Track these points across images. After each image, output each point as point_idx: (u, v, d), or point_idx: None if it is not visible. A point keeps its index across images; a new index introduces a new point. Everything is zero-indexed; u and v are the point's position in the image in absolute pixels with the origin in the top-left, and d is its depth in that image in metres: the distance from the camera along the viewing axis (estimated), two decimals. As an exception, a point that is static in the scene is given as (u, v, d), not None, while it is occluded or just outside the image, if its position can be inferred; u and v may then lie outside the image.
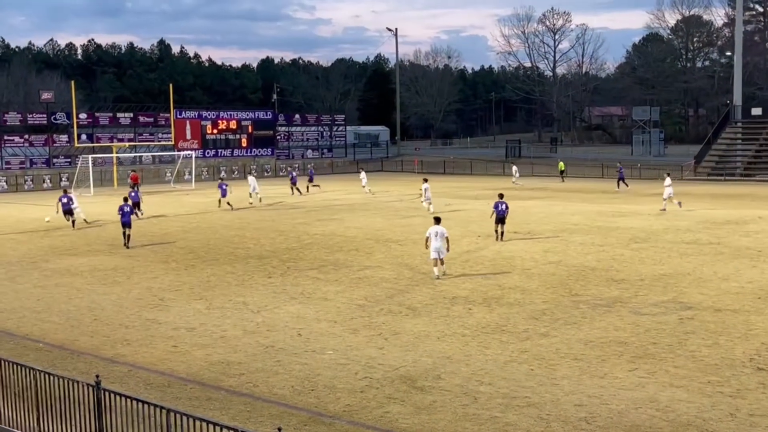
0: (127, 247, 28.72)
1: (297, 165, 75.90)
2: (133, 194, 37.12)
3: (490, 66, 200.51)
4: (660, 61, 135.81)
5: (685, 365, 13.51)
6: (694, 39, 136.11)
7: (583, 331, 15.94)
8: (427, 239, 22.32)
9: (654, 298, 18.98)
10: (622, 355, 14.16)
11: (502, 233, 29.23)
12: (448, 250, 22.50)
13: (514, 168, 65.02)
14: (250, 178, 48.80)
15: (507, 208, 29.18)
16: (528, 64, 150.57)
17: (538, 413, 11.16)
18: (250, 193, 46.56)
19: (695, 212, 38.67)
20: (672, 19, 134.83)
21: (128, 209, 29.66)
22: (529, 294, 19.72)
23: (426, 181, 41.74)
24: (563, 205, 42.30)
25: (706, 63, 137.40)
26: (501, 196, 29.72)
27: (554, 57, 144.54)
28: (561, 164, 72.09)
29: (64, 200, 35.15)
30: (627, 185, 56.59)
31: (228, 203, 42.71)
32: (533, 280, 21.53)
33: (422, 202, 41.10)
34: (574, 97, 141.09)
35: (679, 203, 39.83)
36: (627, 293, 19.65)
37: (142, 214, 38.35)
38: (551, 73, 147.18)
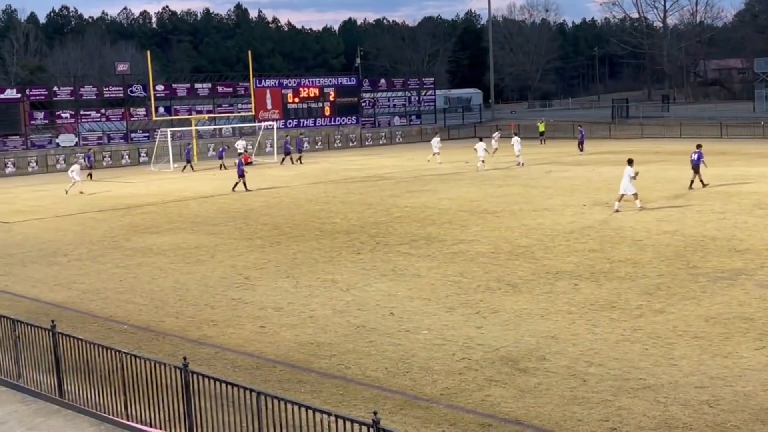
0: (233, 191, 39.91)
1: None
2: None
3: (593, 18, 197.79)
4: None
5: (820, 343, 13.26)
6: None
7: (702, 306, 15.50)
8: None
9: (783, 270, 18.59)
10: (748, 332, 13.71)
11: (692, 181, 33.41)
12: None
13: (435, 140, 53.52)
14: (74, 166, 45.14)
15: (699, 157, 33.12)
16: (635, 15, 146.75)
17: (654, 396, 10.92)
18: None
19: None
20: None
21: (240, 163, 41.51)
22: (642, 267, 19.29)
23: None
24: (678, 169, 41.07)
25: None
26: (698, 146, 33.91)
27: (664, 5, 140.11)
28: (541, 125, 69.71)
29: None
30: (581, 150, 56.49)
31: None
32: (646, 252, 21.02)
33: None
34: (687, 49, 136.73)
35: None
36: (752, 264, 19.02)
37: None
38: (661, 24, 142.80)
